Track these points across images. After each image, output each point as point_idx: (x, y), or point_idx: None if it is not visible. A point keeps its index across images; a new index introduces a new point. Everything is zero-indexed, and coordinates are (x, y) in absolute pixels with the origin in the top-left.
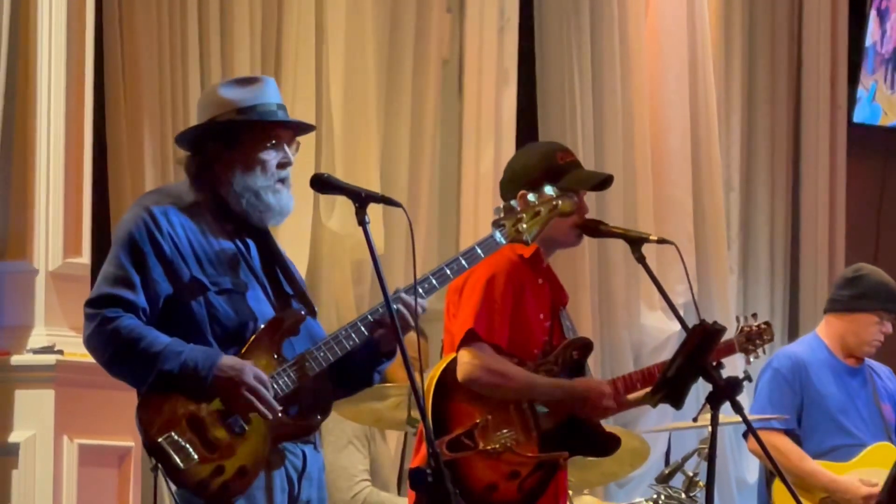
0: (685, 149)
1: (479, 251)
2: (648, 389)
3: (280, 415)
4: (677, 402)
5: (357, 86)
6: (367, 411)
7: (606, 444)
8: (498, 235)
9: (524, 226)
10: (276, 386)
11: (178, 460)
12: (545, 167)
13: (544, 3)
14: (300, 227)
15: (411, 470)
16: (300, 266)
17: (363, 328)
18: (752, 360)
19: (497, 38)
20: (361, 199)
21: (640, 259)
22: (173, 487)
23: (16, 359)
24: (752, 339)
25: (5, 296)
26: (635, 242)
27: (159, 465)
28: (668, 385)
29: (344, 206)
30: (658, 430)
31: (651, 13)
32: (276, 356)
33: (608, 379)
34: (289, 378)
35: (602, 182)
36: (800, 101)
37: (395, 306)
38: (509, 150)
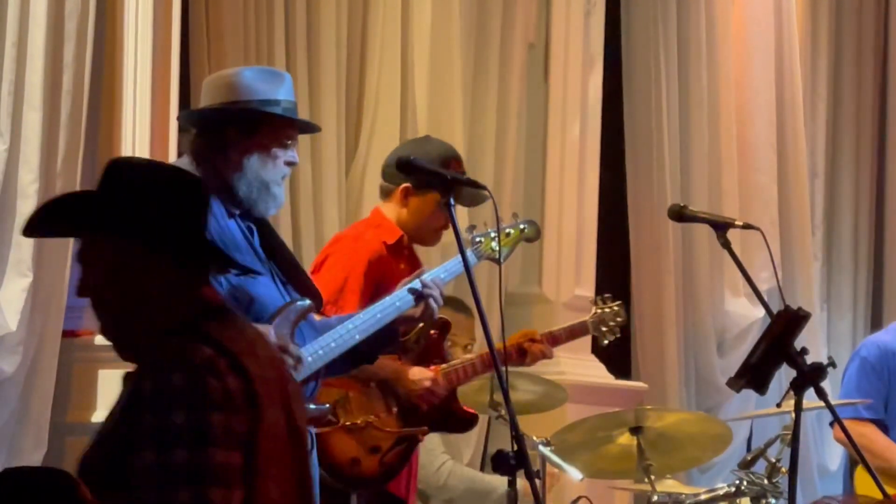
0: (770, 135)
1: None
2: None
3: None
4: (761, 387)
5: (443, 69)
6: None
7: (465, 422)
8: (471, 254)
9: (494, 245)
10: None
11: None
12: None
13: None
14: None
15: (494, 454)
16: None
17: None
18: (605, 343)
19: (583, 23)
20: (447, 182)
21: (726, 244)
22: None
23: (99, 338)
24: (604, 321)
25: None
26: (720, 227)
27: None
28: (751, 371)
29: None
30: (742, 417)
31: None
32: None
33: (447, 365)
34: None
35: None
36: (886, 87)
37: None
38: (595, 134)
